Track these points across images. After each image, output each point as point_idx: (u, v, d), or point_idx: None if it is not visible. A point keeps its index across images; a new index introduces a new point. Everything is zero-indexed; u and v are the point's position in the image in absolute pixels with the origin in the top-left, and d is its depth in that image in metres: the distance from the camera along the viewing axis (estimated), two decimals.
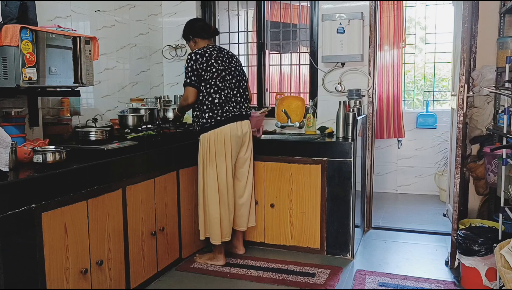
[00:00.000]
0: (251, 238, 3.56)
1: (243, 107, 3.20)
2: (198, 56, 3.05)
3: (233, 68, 3.18)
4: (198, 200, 3.21)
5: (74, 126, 3.04)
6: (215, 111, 3.05)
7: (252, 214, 3.38)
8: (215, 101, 3.05)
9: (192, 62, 3.05)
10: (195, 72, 3.04)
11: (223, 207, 3.13)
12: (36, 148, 2.28)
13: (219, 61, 3.10)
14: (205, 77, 3.04)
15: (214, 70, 3.06)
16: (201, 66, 3.03)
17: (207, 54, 3.07)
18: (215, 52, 3.11)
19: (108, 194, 2.48)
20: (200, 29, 3.21)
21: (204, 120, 3.06)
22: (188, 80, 3.05)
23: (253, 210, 3.38)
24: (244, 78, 3.27)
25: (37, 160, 2.20)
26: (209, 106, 3.05)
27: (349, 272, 3.11)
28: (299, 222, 3.42)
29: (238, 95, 3.18)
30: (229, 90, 3.11)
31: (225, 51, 3.21)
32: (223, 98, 3.07)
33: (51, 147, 2.37)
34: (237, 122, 3.11)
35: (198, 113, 3.13)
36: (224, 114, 3.06)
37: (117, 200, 2.58)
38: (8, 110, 2.47)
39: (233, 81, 3.16)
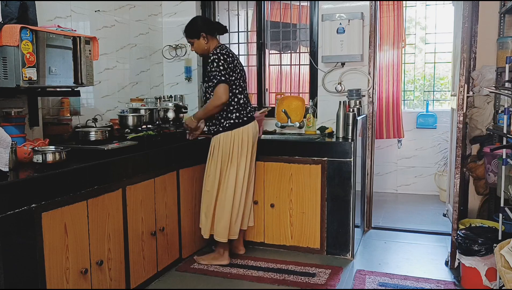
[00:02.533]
0: (251, 238, 3.56)
1: (251, 105, 3.30)
2: (225, 56, 3.03)
3: (242, 68, 3.23)
4: (205, 197, 3.18)
5: (74, 126, 3.04)
6: (242, 111, 3.10)
7: (252, 213, 3.39)
8: (241, 101, 3.11)
9: (222, 61, 3.01)
10: (228, 70, 3.01)
11: (236, 206, 3.15)
12: (36, 148, 2.28)
13: (239, 62, 3.16)
14: (232, 77, 3.06)
15: (238, 70, 3.09)
16: (229, 65, 3.03)
17: (231, 54, 3.08)
18: (231, 52, 3.13)
19: (108, 194, 2.48)
20: (214, 27, 3.16)
21: (232, 121, 3.08)
22: (223, 78, 2.99)
23: (252, 209, 3.40)
24: None
25: (37, 160, 2.20)
26: (236, 106, 3.08)
27: (349, 272, 3.11)
28: (299, 222, 3.42)
29: (247, 94, 3.26)
30: (246, 91, 3.21)
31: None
32: (245, 99, 3.16)
33: (51, 147, 2.37)
34: (254, 121, 3.22)
35: (223, 114, 3.09)
36: (249, 114, 3.15)
37: (117, 200, 2.58)
38: (8, 110, 2.47)
39: (246, 80, 3.25)
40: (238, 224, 3.21)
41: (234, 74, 3.06)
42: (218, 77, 2.99)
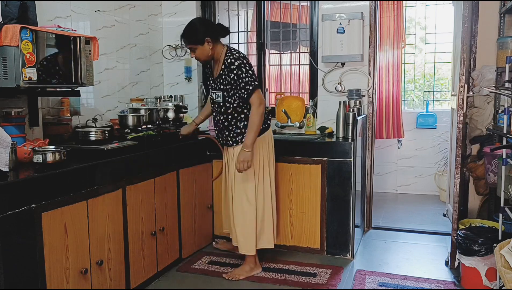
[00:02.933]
0: None
1: None
2: (246, 59, 2.86)
3: None
4: (241, 212, 2.99)
5: (74, 126, 3.04)
6: (264, 114, 2.95)
7: None
8: None
9: (248, 66, 2.83)
10: (255, 75, 2.88)
11: (274, 210, 3.10)
12: (36, 148, 2.28)
13: None
14: None
15: (255, 73, 2.93)
16: (251, 69, 2.86)
17: (247, 58, 2.91)
18: None
19: (108, 194, 2.48)
20: (217, 30, 2.92)
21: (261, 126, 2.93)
22: (256, 82, 2.82)
23: None
24: None
25: (37, 160, 2.20)
26: None
27: (349, 272, 3.11)
28: (299, 222, 3.42)
29: None
30: None
31: None
32: None
33: (51, 147, 2.37)
34: None
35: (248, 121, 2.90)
36: (269, 116, 3.05)
37: (117, 200, 2.57)
38: (8, 110, 2.47)
39: None
40: None
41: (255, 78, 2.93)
42: (252, 83, 2.80)
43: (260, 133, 2.91)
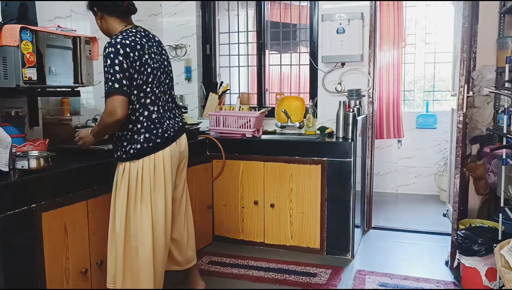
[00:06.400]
0: (251, 238, 3.56)
1: (177, 115, 2.48)
2: (127, 49, 2.13)
3: (165, 62, 2.39)
4: (112, 246, 2.31)
5: (74, 126, 3.03)
6: (154, 131, 2.26)
7: (192, 241, 2.70)
8: (153, 116, 2.26)
9: (121, 57, 2.11)
10: (126, 73, 2.13)
11: (158, 248, 2.34)
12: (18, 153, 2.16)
13: (152, 55, 2.27)
14: (138, 81, 2.20)
15: (149, 70, 2.23)
16: (132, 64, 2.15)
17: (138, 46, 2.19)
18: (144, 39, 2.26)
19: (108, 194, 2.48)
20: (109, 5, 2.28)
21: (139, 146, 2.23)
22: (117, 85, 2.10)
23: (193, 237, 2.73)
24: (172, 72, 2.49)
25: (22, 166, 2.05)
26: (145, 124, 2.24)
27: (349, 272, 3.11)
28: (299, 222, 3.42)
29: (170, 99, 2.42)
30: (164, 97, 2.36)
31: (151, 35, 2.38)
32: (161, 110, 2.32)
33: (34, 152, 2.24)
34: (176, 140, 2.39)
35: (127, 135, 2.25)
36: (166, 134, 2.30)
37: None
38: (8, 110, 2.47)
39: (167, 81, 2.39)
40: (164, 268, 2.44)
41: (141, 76, 2.20)
42: (111, 83, 2.11)
43: (138, 156, 2.24)
